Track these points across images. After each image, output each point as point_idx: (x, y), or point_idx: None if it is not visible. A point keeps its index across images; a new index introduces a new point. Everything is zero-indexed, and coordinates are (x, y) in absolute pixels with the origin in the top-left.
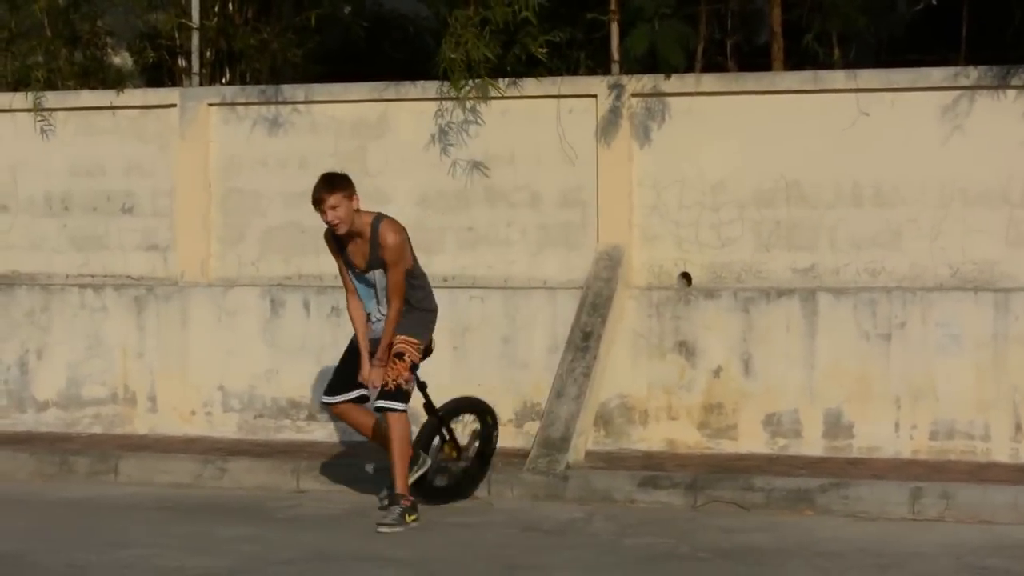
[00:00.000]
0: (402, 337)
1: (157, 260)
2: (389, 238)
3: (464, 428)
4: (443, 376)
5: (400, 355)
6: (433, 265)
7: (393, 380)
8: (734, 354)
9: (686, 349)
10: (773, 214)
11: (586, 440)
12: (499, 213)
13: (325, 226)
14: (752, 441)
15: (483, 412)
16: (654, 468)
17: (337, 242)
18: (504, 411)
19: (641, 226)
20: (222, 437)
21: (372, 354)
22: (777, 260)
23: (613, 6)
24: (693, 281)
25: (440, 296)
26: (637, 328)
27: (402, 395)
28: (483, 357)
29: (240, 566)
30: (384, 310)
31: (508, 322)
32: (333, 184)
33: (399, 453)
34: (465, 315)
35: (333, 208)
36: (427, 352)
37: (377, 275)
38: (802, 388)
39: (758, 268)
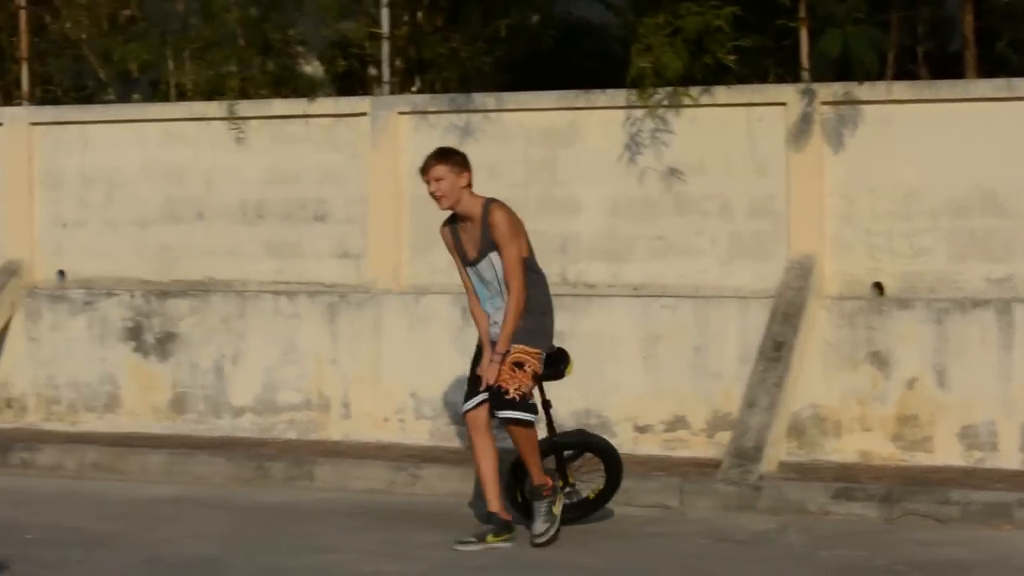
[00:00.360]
0: (519, 347)
1: (350, 267)
2: (497, 215)
3: (581, 469)
4: (635, 386)
5: (520, 365)
6: (623, 274)
7: (516, 389)
8: (928, 365)
9: (879, 360)
10: (967, 224)
11: (778, 451)
12: (689, 222)
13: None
14: (947, 454)
15: (611, 461)
16: (848, 480)
17: (454, 236)
18: (695, 421)
19: (833, 235)
20: (414, 444)
21: None
22: (972, 270)
23: (803, 12)
24: (886, 291)
25: (630, 305)
26: (829, 338)
27: (527, 406)
28: (674, 366)
29: (433, 572)
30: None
31: (699, 331)
32: (444, 155)
33: (531, 459)
34: (656, 324)
35: (438, 180)
36: (552, 364)
37: (493, 260)
38: (998, 400)
39: (952, 278)
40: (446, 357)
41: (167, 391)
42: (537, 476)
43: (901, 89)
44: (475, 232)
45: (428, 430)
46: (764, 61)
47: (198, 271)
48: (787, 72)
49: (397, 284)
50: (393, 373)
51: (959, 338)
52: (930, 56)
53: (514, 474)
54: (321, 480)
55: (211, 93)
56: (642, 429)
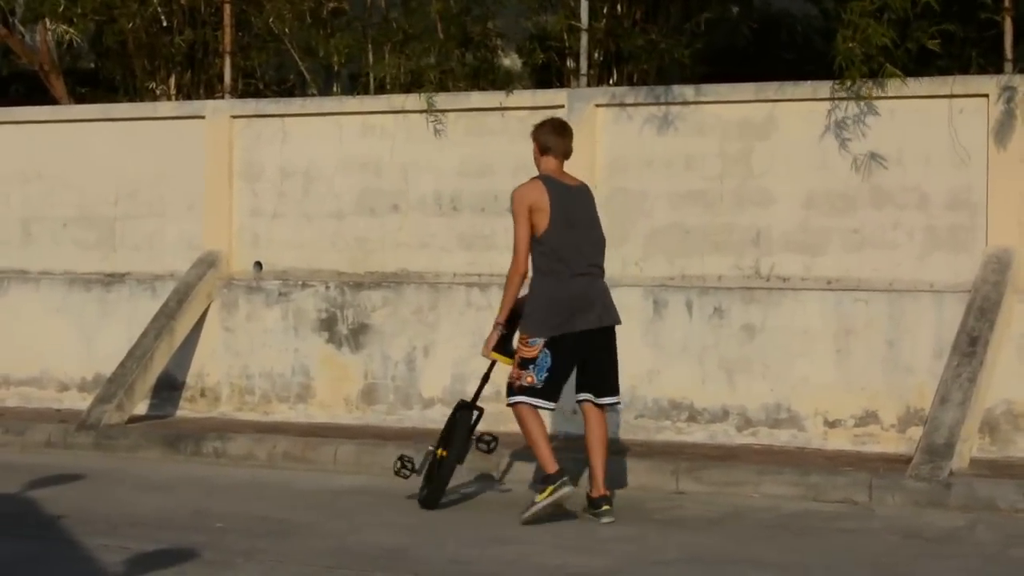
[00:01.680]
0: (520, 334)
1: None
2: (512, 194)
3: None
4: (826, 380)
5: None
6: (816, 267)
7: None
8: None
9: None
10: None
11: (971, 447)
12: (885, 215)
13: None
14: None
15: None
16: None
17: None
18: (887, 416)
19: None
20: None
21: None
22: None
23: (1007, 3)
24: None
25: (824, 298)
26: None
27: (513, 390)
28: (867, 360)
29: (619, 566)
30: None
31: (892, 325)
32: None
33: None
34: (849, 318)
35: None
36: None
37: None
38: None
39: None
40: (636, 350)
41: (358, 382)
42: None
43: None
44: None
45: (617, 423)
46: (968, 51)
47: (392, 263)
48: (989, 64)
49: None
50: None
51: None
52: None
53: None
54: (511, 471)
55: (409, 86)
56: (832, 424)
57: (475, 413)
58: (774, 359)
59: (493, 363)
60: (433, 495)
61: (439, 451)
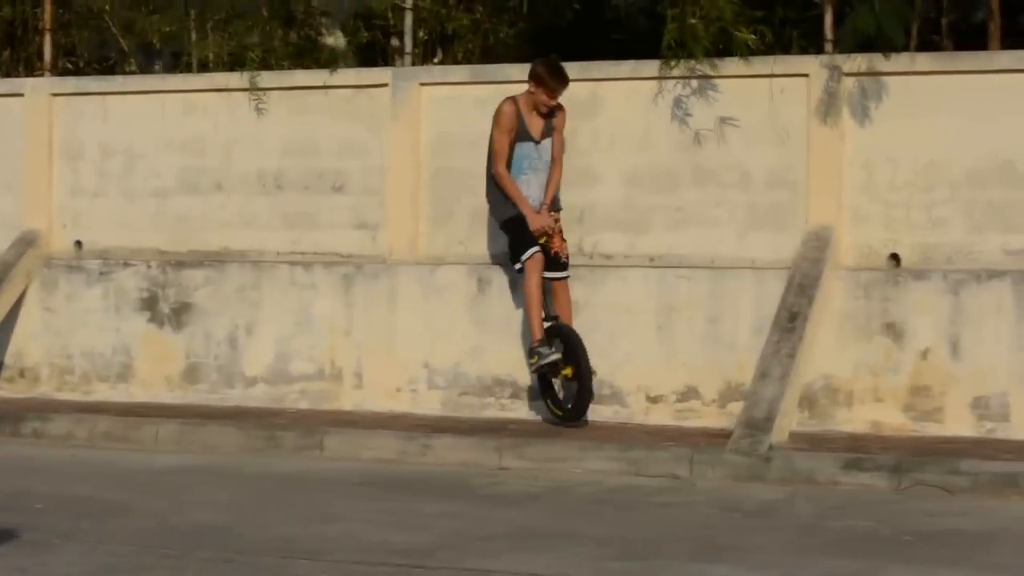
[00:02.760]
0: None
1: (366, 238)
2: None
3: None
4: (649, 355)
5: (561, 235)
6: (640, 245)
7: (566, 254)
8: (942, 336)
9: (893, 331)
10: (986, 195)
11: (790, 421)
12: (708, 193)
13: None
14: (958, 424)
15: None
16: (858, 450)
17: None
18: (708, 391)
19: (851, 207)
20: (426, 414)
21: None
22: (989, 241)
23: None
24: (902, 262)
25: (647, 276)
26: (844, 309)
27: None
28: (688, 337)
29: (442, 542)
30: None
31: (714, 302)
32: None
33: (570, 306)
34: (671, 295)
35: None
36: None
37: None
38: (1011, 371)
39: (969, 249)
40: (460, 327)
41: (180, 361)
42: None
43: (924, 61)
44: (540, 119)
45: (440, 400)
46: (789, 32)
47: (215, 241)
48: (811, 44)
49: (413, 255)
50: (407, 343)
51: (974, 309)
52: (954, 27)
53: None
54: (332, 450)
55: (232, 64)
56: (654, 399)
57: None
58: (597, 336)
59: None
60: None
61: (565, 370)
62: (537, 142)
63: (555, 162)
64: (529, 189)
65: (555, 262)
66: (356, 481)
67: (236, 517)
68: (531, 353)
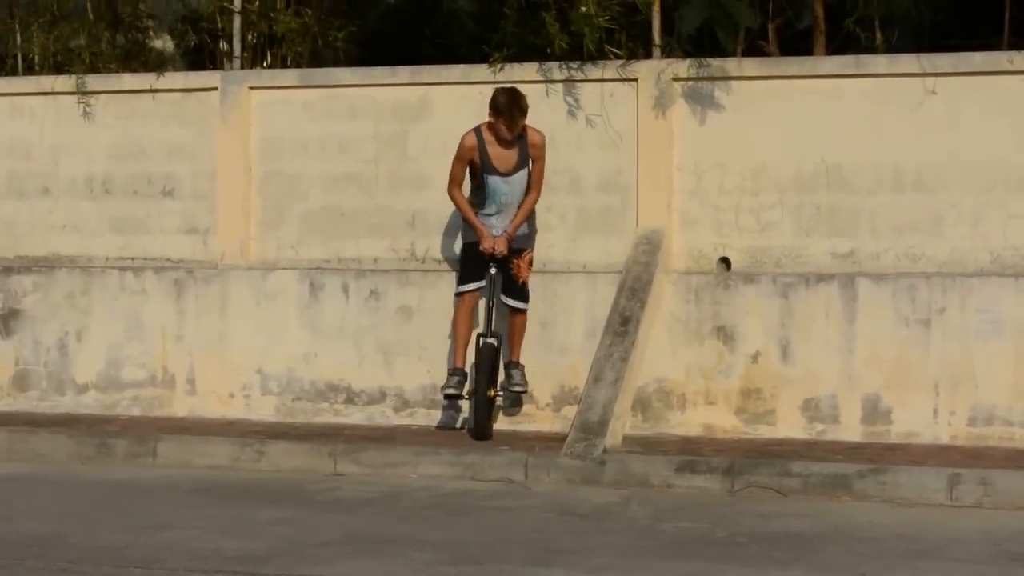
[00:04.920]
0: (529, 252)
1: (197, 243)
2: (537, 136)
3: None
4: None
5: (530, 264)
6: None
7: (524, 278)
8: (772, 339)
9: (724, 334)
10: (813, 199)
11: (623, 425)
12: (541, 197)
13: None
14: (790, 426)
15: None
16: (691, 453)
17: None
18: (542, 395)
19: (681, 210)
20: (260, 420)
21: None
22: (817, 245)
23: None
24: (732, 266)
25: None
26: (676, 313)
27: (527, 296)
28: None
29: (277, 548)
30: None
31: (546, 306)
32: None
33: (520, 337)
34: None
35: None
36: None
37: (520, 176)
38: (840, 373)
39: (798, 253)
40: (293, 333)
41: (9, 368)
42: (518, 355)
43: (751, 66)
44: (514, 150)
45: (274, 406)
46: (618, 37)
47: (42, 247)
48: (641, 47)
49: (245, 260)
50: (239, 349)
51: (803, 312)
52: (780, 32)
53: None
54: (165, 457)
55: (59, 67)
56: None
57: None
58: (431, 341)
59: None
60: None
61: (490, 392)
62: (506, 175)
63: (530, 189)
64: (496, 222)
65: (512, 286)
66: (190, 488)
67: (68, 526)
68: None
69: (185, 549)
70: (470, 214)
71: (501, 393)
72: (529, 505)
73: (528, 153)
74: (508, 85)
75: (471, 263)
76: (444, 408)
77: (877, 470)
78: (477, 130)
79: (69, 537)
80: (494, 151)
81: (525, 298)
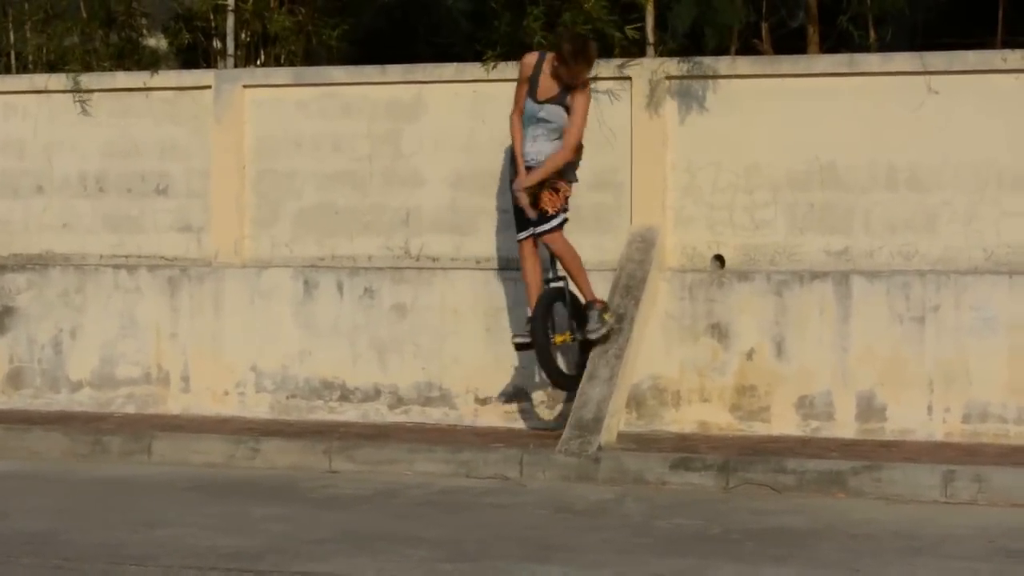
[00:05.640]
0: (560, 182)
1: (191, 241)
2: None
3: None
4: (477, 357)
5: (556, 190)
6: (466, 247)
7: (553, 207)
8: (767, 337)
9: (719, 331)
10: (807, 197)
11: (618, 422)
12: None
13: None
14: (784, 423)
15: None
16: (686, 450)
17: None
18: (537, 393)
19: (675, 208)
20: (255, 418)
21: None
22: (811, 243)
23: None
24: (726, 263)
25: (473, 277)
26: (670, 310)
27: (556, 219)
28: None
29: (272, 546)
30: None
31: None
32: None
33: (575, 267)
34: (498, 296)
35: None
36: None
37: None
38: (835, 371)
39: (792, 251)
40: (287, 331)
41: (3, 366)
42: (588, 293)
43: (744, 64)
44: (555, 85)
45: (268, 404)
46: (612, 35)
47: (37, 245)
48: (635, 46)
49: (239, 258)
50: (233, 347)
51: (797, 310)
52: (774, 31)
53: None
54: (159, 454)
55: (52, 66)
56: (483, 401)
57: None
58: (425, 338)
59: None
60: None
61: (557, 337)
62: (540, 102)
63: (567, 135)
64: (531, 147)
65: (541, 216)
66: (184, 486)
67: (63, 523)
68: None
69: (180, 546)
70: (518, 145)
71: (577, 337)
72: (524, 502)
73: (566, 97)
74: (581, 34)
75: (520, 209)
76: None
77: (872, 467)
78: (542, 54)
79: (64, 534)
80: (544, 80)
81: (548, 221)
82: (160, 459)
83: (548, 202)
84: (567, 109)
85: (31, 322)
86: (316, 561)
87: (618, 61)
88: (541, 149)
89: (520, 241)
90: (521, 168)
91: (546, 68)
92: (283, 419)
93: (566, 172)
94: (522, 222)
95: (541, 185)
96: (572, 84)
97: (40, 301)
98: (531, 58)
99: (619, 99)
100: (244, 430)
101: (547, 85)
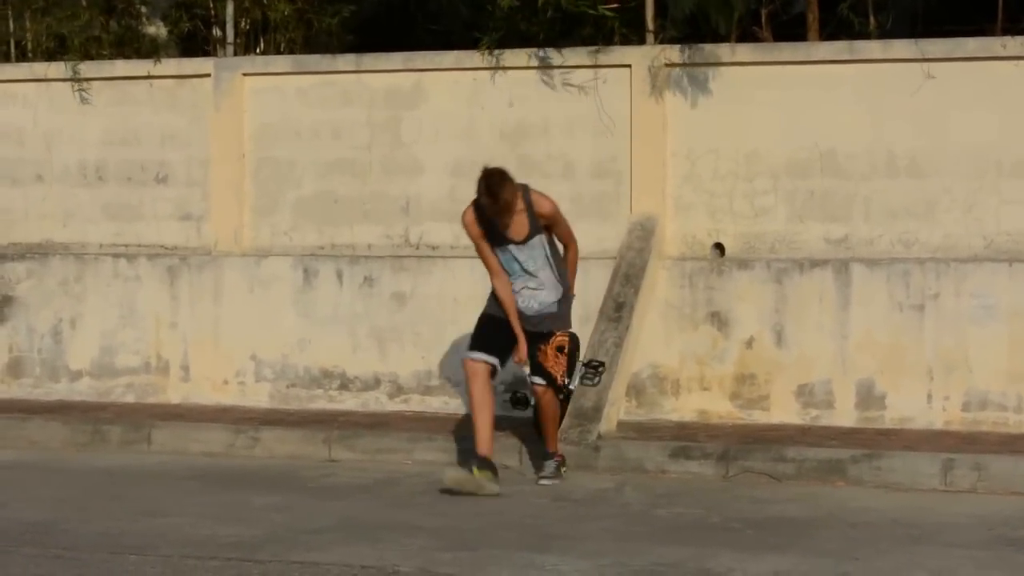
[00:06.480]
0: (562, 334)
1: (191, 230)
2: (546, 205)
3: None
4: None
5: (561, 349)
6: (465, 236)
7: (561, 375)
8: (767, 325)
9: (719, 320)
10: (807, 184)
11: (618, 410)
12: (532, 183)
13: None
14: (784, 412)
15: None
16: (686, 438)
17: (487, 223)
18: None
19: (675, 196)
20: (254, 406)
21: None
22: (811, 230)
23: None
24: (726, 251)
25: (472, 266)
26: (670, 298)
27: (552, 377)
28: None
29: (271, 535)
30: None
31: None
32: (506, 186)
33: (552, 420)
34: None
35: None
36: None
37: (538, 241)
38: (834, 359)
39: (791, 238)
40: (286, 319)
41: (3, 355)
42: (552, 444)
43: (744, 51)
44: (522, 217)
45: (268, 392)
46: (611, 22)
47: (36, 234)
48: (635, 34)
49: (238, 246)
50: (233, 336)
51: (797, 298)
52: (773, 18)
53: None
54: (159, 443)
55: (52, 53)
56: None
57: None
58: (425, 327)
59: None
60: None
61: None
62: (521, 243)
63: (568, 243)
64: (528, 301)
65: (539, 367)
66: (184, 475)
67: (62, 513)
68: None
69: (179, 535)
70: (511, 309)
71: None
72: (523, 491)
73: (539, 222)
74: (483, 171)
75: (478, 327)
76: None
77: (871, 455)
78: (473, 204)
79: (64, 524)
80: (502, 220)
81: (548, 381)
82: (160, 448)
83: (554, 366)
84: (547, 230)
85: (31, 311)
86: (316, 550)
87: (616, 48)
88: (535, 296)
89: (472, 360)
90: (514, 320)
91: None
92: (283, 408)
93: (570, 321)
94: (482, 341)
95: (544, 337)
96: (508, 210)
97: (40, 290)
98: (468, 215)
99: (618, 86)
100: (244, 419)
101: (509, 223)
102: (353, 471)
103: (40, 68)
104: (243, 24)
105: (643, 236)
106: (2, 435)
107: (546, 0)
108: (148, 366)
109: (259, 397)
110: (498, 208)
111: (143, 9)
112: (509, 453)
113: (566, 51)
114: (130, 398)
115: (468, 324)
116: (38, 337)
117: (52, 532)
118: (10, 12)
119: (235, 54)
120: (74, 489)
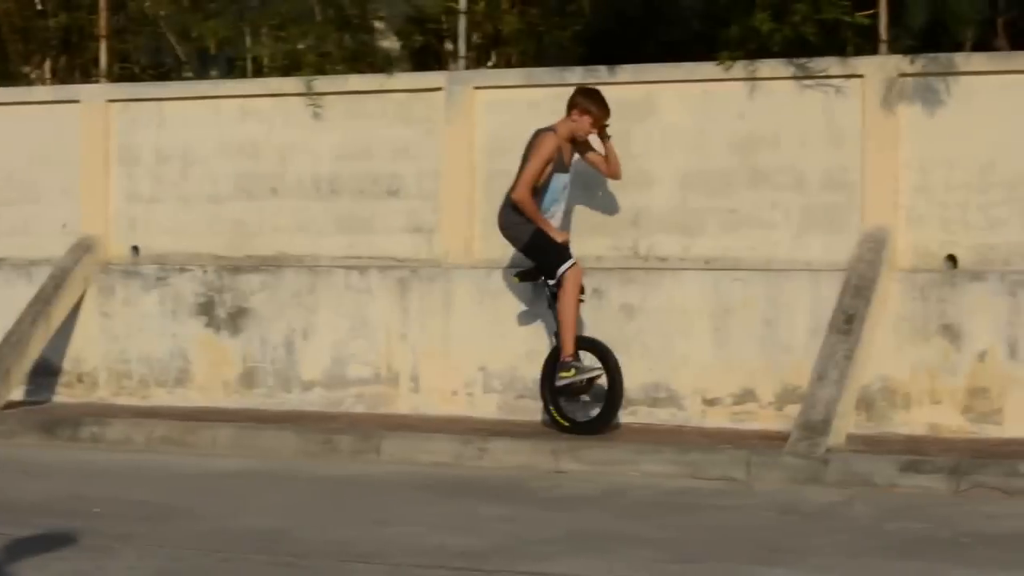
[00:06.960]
0: None
1: (421, 242)
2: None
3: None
4: (705, 358)
5: None
6: (695, 247)
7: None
8: (1000, 338)
9: (951, 332)
10: None
11: (847, 424)
12: (762, 195)
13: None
14: (1017, 426)
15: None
16: (916, 452)
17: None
18: (764, 394)
19: (907, 208)
20: (483, 417)
21: None
22: None
23: None
24: (959, 263)
25: (702, 277)
26: (901, 311)
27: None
28: (744, 339)
29: (499, 545)
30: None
31: (770, 304)
32: None
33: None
34: (727, 297)
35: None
36: None
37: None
38: None
39: None
40: (516, 331)
41: (237, 366)
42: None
43: (979, 61)
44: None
45: (496, 404)
46: (844, 32)
47: (270, 246)
48: (865, 44)
49: (469, 259)
50: (463, 347)
51: None
52: (1010, 27)
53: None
54: (388, 454)
55: (287, 69)
56: (711, 402)
57: None
58: (653, 339)
59: None
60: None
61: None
62: (568, 171)
63: (614, 163)
64: (556, 220)
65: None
66: (413, 485)
67: (293, 521)
68: (566, 366)
69: (408, 544)
70: (542, 218)
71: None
72: (751, 504)
73: (577, 147)
74: (586, 89)
75: (554, 245)
76: None
77: None
78: (552, 131)
79: (294, 531)
80: (565, 150)
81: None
82: (389, 458)
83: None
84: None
85: (264, 323)
86: (543, 561)
87: (850, 59)
88: (563, 213)
89: (568, 271)
90: (552, 229)
91: (562, 139)
92: (511, 419)
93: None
94: (563, 254)
95: None
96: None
97: (273, 302)
98: (552, 140)
99: (850, 97)
100: (472, 430)
101: (567, 153)
102: (580, 482)
103: (276, 83)
104: (475, 38)
105: (874, 248)
106: (236, 444)
107: (799, 10)
108: (378, 377)
109: (487, 408)
110: (606, 118)
111: (377, 24)
112: (737, 465)
113: (798, 62)
114: (360, 408)
115: (696, 336)
116: (271, 348)
117: (283, 539)
118: (247, 29)
119: (467, 68)
120: (305, 498)
